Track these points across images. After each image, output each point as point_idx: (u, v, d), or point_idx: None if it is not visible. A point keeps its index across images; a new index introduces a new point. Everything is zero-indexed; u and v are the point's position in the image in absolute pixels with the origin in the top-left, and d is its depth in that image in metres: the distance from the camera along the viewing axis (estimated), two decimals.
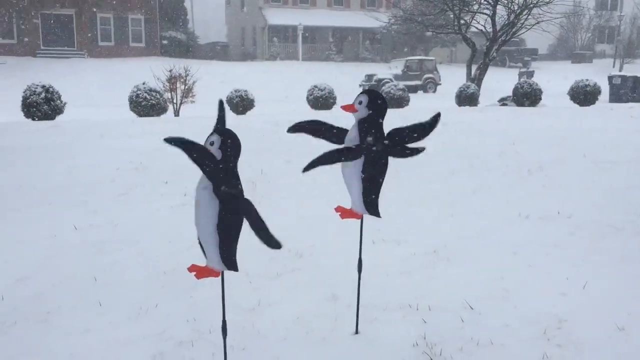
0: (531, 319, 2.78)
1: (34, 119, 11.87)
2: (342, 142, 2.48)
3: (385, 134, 2.46)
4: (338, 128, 2.51)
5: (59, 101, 12.29)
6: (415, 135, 2.44)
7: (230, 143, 1.95)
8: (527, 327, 2.70)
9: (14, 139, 8.65)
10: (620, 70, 34.45)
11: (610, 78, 21.03)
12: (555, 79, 28.39)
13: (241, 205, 2.00)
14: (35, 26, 33.96)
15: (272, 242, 2.02)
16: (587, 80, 15.98)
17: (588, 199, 4.85)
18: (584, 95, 15.60)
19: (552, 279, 3.23)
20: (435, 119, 2.43)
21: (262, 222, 2.01)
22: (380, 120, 2.46)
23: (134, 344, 2.64)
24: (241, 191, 2.00)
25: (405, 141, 2.46)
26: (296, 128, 2.48)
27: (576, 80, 16.16)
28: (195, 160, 1.93)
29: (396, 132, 2.45)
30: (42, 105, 11.92)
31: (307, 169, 2.41)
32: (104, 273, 3.45)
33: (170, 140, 1.90)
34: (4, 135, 9.09)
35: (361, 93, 2.48)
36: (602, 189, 5.14)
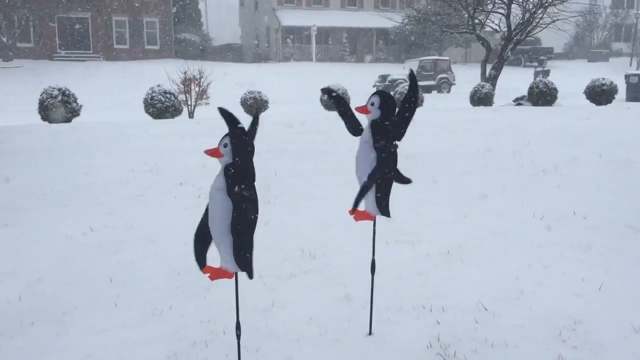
0: (546, 320, 2.76)
1: (50, 122, 12.00)
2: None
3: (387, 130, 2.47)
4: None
5: (75, 104, 12.43)
6: (407, 113, 2.47)
7: (243, 145, 1.96)
8: (542, 328, 2.69)
9: (31, 141, 8.75)
10: (637, 69, 34.02)
11: (627, 77, 20.77)
12: (571, 78, 28.13)
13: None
14: (52, 30, 34.37)
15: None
16: (603, 79, 15.80)
17: (604, 198, 4.81)
18: (600, 94, 15.43)
19: (567, 280, 3.20)
20: (412, 82, 2.45)
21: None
22: (392, 121, 2.46)
23: (148, 344, 2.66)
24: (255, 193, 2.01)
25: (406, 118, 2.48)
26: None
27: (592, 79, 15.98)
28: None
29: (391, 124, 2.46)
30: (58, 108, 12.05)
31: (355, 206, 2.50)
32: (119, 274, 3.48)
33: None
34: (21, 137, 9.21)
35: (373, 94, 2.49)
36: (619, 189, 5.09)
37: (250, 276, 2.08)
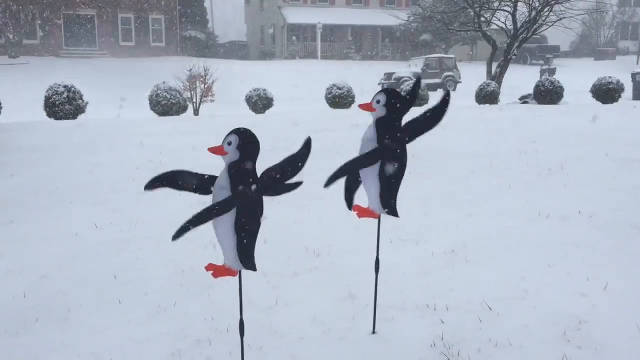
0: (551, 319, 2.75)
1: (56, 119, 12.04)
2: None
3: (401, 128, 2.46)
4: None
5: (80, 100, 12.45)
6: (429, 122, 2.45)
7: (248, 143, 1.96)
8: (546, 328, 2.68)
9: (36, 138, 8.78)
10: None
11: (633, 75, 20.65)
12: (577, 76, 28.01)
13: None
14: (58, 27, 34.43)
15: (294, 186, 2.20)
16: (609, 77, 15.72)
17: (610, 198, 4.79)
18: (606, 92, 15.35)
19: (572, 280, 3.19)
20: (445, 99, 2.43)
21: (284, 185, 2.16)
22: (398, 120, 2.45)
23: (152, 342, 2.67)
24: (257, 191, 2.02)
25: (421, 130, 2.46)
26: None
27: (599, 78, 15.89)
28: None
29: (410, 124, 2.46)
30: (64, 105, 12.08)
31: (328, 183, 2.43)
32: (123, 271, 3.49)
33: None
34: (27, 134, 9.23)
35: (379, 92, 2.48)
36: (624, 188, 5.07)
37: (253, 269, 2.09)
